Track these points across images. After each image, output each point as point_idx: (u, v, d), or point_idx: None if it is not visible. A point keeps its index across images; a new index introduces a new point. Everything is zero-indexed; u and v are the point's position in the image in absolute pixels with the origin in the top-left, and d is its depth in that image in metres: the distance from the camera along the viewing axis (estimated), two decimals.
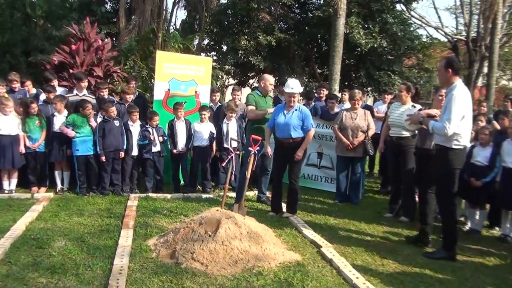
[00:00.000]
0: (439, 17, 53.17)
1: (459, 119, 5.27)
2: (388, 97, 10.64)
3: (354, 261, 5.21)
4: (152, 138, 7.96)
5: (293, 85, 6.86)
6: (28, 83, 8.80)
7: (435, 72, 21.38)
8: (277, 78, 17.19)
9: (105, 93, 8.71)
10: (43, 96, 8.38)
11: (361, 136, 7.87)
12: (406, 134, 6.97)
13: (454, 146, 5.39)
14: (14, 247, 5.17)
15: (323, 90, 10.28)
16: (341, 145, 8.02)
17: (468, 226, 6.93)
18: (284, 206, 7.25)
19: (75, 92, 8.48)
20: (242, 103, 9.24)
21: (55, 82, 8.80)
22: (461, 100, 5.28)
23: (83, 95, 8.38)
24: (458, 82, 5.44)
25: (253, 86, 18.39)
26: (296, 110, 6.87)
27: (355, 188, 8.20)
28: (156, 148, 8.07)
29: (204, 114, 8.29)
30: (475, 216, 6.80)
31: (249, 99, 7.87)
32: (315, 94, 10.15)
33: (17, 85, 8.46)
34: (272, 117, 7.06)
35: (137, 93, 9.44)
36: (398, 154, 7.11)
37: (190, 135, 8.28)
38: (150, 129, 7.98)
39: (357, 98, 8.03)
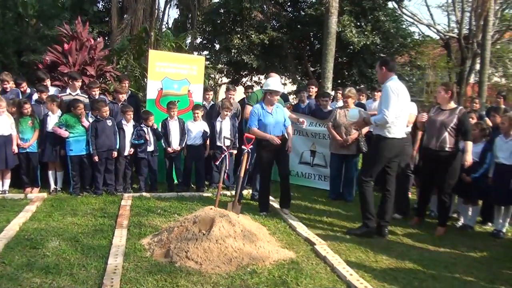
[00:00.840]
0: (431, 14, 53.61)
1: (396, 108, 5.79)
2: (378, 95, 10.65)
3: (348, 258, 5.24)
4: (147, 138, 7.96)
5: (276, 84, 6.87)
6: (24, 85, 8.74)
7: (428, 69, 21.52)
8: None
9: (96, 93, 8.68)
10: (35, 96, 8.35)
11: (355, 134, 7.89)
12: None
13: (389, 136, 5.94)
14: (8, 247, 5.16)
15: (312, 88, 10.20)
16: (335, 142, 8.05)
17: (461, 222, 6.97)
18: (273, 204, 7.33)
19: (68, 91, 8.45)
20: (236, 102, 9.24)
21: (48, 82, 8.75)
22: (395, 91, 5.82)
23: (76, 94, 8.36)
24: (394, 77, 6.01)
25: (246, 85, 18.38)
26: (277, 107, 6.94)
27: (349, 185, 8.24)
28: (151, 148, 8.08)
29: (197, 113, 8.30)
30: (468, 212, 6.85)
31: (251, 98, 7.89)
32: (305, 93, 10.08)
33: (8, 85, 8.40)
34: (255, 118, 6.83)
35: (130, 92, 9.42)
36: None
37: (183, 134, 8.27)
38: (145, 129, 7.98)
39: (350, 95, 8.05)
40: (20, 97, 8.28)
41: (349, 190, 8.23)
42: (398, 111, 5.82)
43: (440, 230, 6.44)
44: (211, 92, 9.74)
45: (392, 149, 6.07)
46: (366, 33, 16.35)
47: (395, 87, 5.86)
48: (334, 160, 8.29)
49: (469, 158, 6.15)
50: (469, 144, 6.20)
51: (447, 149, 6.22)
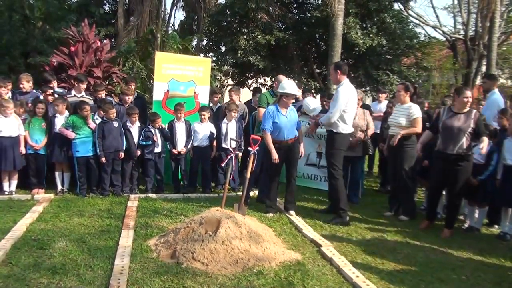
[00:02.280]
0: (437, 16, 52.98)
1: (342, 108, 6.73)
2: (383, 96, 10.64)
3: (354, 260, 5.23)
4: (155, 139, 7.98)
5: (292, 87, 6.89)
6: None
7: (434, 70, 21.44)
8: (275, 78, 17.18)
9: (102, 95, 8.72)
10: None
11: (360, 136, 7.87)
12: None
13: (339, 131, 6.82)
14: (15, 248, 5.19)
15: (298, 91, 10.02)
16: None
17: (467, 224, 6.95)
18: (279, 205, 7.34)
19: (73, 93, 8.49)
20: (242, 104, 9.24)
21: (54, 83, 8.82)
22: (344, 95, 6.76)
23: (81, 96, 8.39)
24: (346, 81, 6.93)
25: (253, 88, 18.35)
26: (291, 110, 6.97)
27: (355, 187, 8.22)
28: (158, 149, 8.10)
29: (204, 115, 8.31)
30: (474, 214, 6.83)
31: (261, 100, 7.90)
32: (309, 94, 10.01)
33: (27, 85, 8.40)
34: (270, 120, 6.81)
35: (136, 94, 9.44)
36: (396, 153, 7.12)
37: (189, 136, 8.29)
38: (152, 130, 8.00)
39: (359, 98, 7.96)
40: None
41: (355, 192, 8.21)
42: (342, 112, 6.75)
43: (447, 233, 6.43)
44: (219, 95, 9.73)
45: (345, 143, 7.01)
46: (371, 35, 16.31)
47: (346, 91, 6.81)
48: None
49: (484, 147, 6.10)
50: (485, 139, 6.19)
51: (463, 153, 6.24)
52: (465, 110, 6.33)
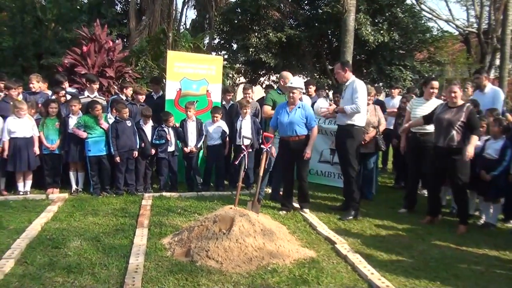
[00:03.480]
0: (449, 9, 52.58)
1: (365, 98, 6.88)
2: (396, 92, 10.56)
3: (369, 257, 5.19)
4: (168, 138, 8.00)
5: (293, 80, 6.93)
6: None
7: (447, 65, 21.25)
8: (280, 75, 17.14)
9: (129, 93, 8.93)
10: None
11: (372, 132, 7.80)
12: (430, 130, 6.85)
13: (357, 124, 6.86)
14: (30, 247, 5.22)
15: (310, 87, 10.02)
16: None
17: (482, 220, 6.87)
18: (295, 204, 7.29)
19: (86, 93, 8.53)
20: (255, 101, 9.22)
21: (66, 84, 8.87)
22: (362, 85, 6.88)
23: (94, 96, 8.43)
24: (354, 77, 7.02)
25: (264, 85, 18.30)
26: (299, 107, 6.83)
27: (368, 183, 8.17)
28: (171, 148, 8.12)
29: (217, 116, 8.29)
30: (490, 210, 6.75)
31: (267, 98, 7.89)
32: (322, 91, 9.95)
33: (37, 85, 8.45)
34: (274, 116, 7.03)
35: (161, 93, 9.48)
36: (420, 150, 7.00)
37: (201, 134, 8.30)
38: (166, 129, 8.02)
39: (372, 94, 7.90)
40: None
41: (369, 188, 8.16)
42: (365, 102, 6.89)
43: (462, 229, 6.36)
44: (232, 93, 9.72)
45: (361, 137, 7.12)
46: (382, 31, 16.22)
47: (363, 86, 6.89)
48: None
49: (471, 150, 6.10)
50: (475, 138, 6.19)
51: (454, 146, 6.24)
52: (459, 103, 6.36)
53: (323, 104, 8.14)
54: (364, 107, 6.85)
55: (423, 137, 7.02)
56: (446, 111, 6.39)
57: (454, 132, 6.23)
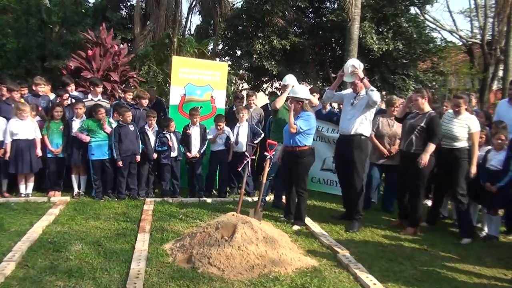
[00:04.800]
0: (453, 20, 52.48)
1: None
2: (399, 101, 10.52)
3: (371, 267, 5.17)
4: (170, 144, 7.99)
5: (299, 90, 6.79)
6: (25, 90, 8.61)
7: (450, 75, 21.25)
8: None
9: (129, 97, 8.93)
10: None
11: (396, 147, 7.52)
12: (459, 145, 6.52)
13: (364, 134, 6.76)
14: (31, 250, 5.22)
15: (314, 95, 9.95)
16: (378, 152, 7.72)
17: (485, 232, 6.82)
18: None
19: (90, 97, 8.54)
20: (259, 108, 9.21)
21: (72, 87, 8.88)
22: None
23: (98, 100, 8.44)
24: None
25: (268, 92, 18.29)
26: (299, 118, 6.63)
27: (391, 196, 7.94)
28: (174, 153, 8.11)
29: (220, 125, 8.20)
30: (492, 222, 6.72)
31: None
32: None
33: (42, 89, 8.47)
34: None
35: (156, 99, 9.50)
36: (450, 165, 6.59)
37: (204, 140, 8.28)
38: (168, 135, 8.01)
39: (396, 105, 7.68)
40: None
41: (392, 201, 7.92)
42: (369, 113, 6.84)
43: (409, 230, 6.65)
44: (254, 96, 9.45)
45: (368, 146, 7.09)
46: (387, 40, 16.24)
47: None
48: (374, 170, 7.93)
49: (424, 158, 6.27)
50: (431, 146, 6.31)
51: (412, 151, 6.43)
52: (426, 110, 6.53)
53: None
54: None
55: (451, 153, 6.57)
56: (414, 117, 6.58)
57: (413, 136, 6.42)
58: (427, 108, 6.53)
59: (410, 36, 16.90)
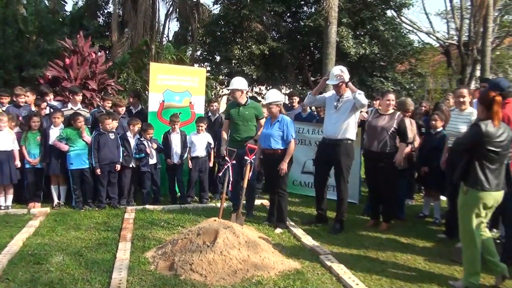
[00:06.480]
0: (430, 22, 53.37)
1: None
2: (377, 103, 10.61)
3: (354, 268, 5.19)
4: (148, 151, 7.94)
5: (268, 95, 6.83)
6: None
7: (428, 76, 21.49)
8: (270, 87, 17.24)
9: (107, 105, 8.75)
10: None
11: (407, 148, 7.17)
12: None
13: (351, 138, 6.75)
14: (12, 263, 5.15)
15: (295, 99, 9.99)
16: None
17: None
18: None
19: (70, 106, 8.46)
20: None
21: (51, 96, 8.80)
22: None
23: (78, 109, 8.36)
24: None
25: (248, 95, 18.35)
26: (278, 121, 6.67)
27: (401, 203, 7.68)
28: (153, 161, 8.06)
29: (201, 126, 8.27)
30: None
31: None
32: (288, 104, 9.93)
33: (23, 100, 8.32)
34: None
35: (140, 107, 9.43)
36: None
37: (185, 146, 8.26)
38: (145, 142, 7.96)
39: (410, 110, 7.65)
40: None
41: (401, 207, 7.66)
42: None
43: (383, 226, 6.91)
44: (215, 103, 9.65)
45: (353, 151, 6.96)
46: (363, 44, 16.39)
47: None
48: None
49: (399, 157, 6.65)
50: (402, 146, 6.74)
51: (387, 151, 6.68)
52: (390, 111, 6.81)
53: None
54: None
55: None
56: (378, 118, 6.81)
57: (387, 137, 6.65)
58: (391, 109, 6.84)
59: (387, 39, 17.08)
